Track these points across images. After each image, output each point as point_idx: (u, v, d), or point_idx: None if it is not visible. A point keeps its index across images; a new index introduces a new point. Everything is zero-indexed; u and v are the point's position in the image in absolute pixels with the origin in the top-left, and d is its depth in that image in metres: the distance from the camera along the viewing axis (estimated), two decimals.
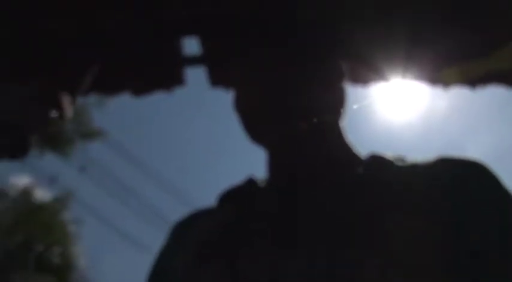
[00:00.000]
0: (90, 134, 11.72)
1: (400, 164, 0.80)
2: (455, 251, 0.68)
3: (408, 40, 2.06)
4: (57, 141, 11.32)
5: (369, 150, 0.84)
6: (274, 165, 0.84)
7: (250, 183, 0.85)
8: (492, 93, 2.24)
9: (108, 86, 2.20)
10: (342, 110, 0.85)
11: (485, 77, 2.19)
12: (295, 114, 0.78)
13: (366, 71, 2.13)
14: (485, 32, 2.04)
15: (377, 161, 0.81)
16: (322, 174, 0.79)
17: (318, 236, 0.69)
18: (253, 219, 0.76)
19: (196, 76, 2.14)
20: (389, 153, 0.82)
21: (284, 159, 0.82)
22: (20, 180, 12.73)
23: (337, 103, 0.84)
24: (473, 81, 2.19)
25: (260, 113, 0.79)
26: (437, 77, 2.18)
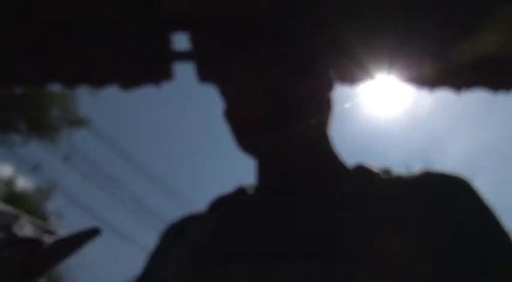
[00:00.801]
0: (76, 122, 11.63)
1: (385, 176, 0.80)
2: (440, 263, 0.69)
3: (394, 38, 2.08)
4: (42, 127, 11.23)
5: (356, 160, 0.85)
6: (263, 174, 0.84)
7: (240, 192, 0.86)
8: (475, 92, 2.28)
9: (97, 78, 2.20)
10: (329, 119, 0.85)
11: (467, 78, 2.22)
12: (285, 123, 0.78)
13: (352, 69, 2.15)
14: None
15: (363, 173, 0.81)
16: (310, 186, 0.80)
17: (304, 250, 0.69)
18: (241, 229, 0.76)
19: (185, 71, 2.15)
20: (375, 165, 0.83)
21: (273, 169, 0.83)
22: (2, 168, 12.60)
23: (326, 112, 0.85)
24: (458, 84, 2.23)
25: (249, 125, 0.79)
26: (422, 74, 2.21)
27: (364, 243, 0.67)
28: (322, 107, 0.84)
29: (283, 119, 0.78)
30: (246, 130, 0.80)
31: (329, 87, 0.86)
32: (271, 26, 0.86)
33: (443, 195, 0.75)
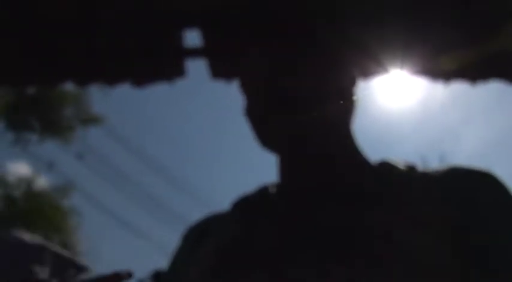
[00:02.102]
0: (89, 120, 11.73)
1: (410, 173, 0.79)
2: (465, 266, 0.68)
3: (407, 31, 2.07)
4: (56, 126, 11.34)
5: (373, 154, 0.83)
6: (285, 171, 0.83)
7: (263, 191, 0.85)
8: (490, 84, 2.26)
9: (110, 76, 2.21)
10: (352, 114, 0.84)
11: (483, 67, 2.19)
12: (306, 118, 0.77)
13: (366, 63, 2.13)
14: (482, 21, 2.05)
15: (388, 170, 0.79)
16: (333, 184, 0.79)
17: (327, 252, 0.68)
18: (264, 234, 0.75)
19: (197, 68, 2.15)
20: (399, 161, 0.81)
21: (294, 166, 0.82)
22: (19, 167, 12.73)
23: (348, 108, 0.83)
24: (473, 74, 2.20)
25: (269, 121, 0.78)
26: (436, 67, 2.19)
27: (386, 245, 0.66)
28: (345, 102, 0.82)
29: (305, 114, 0.77)
30: (267, 126, 0.79)
31: (352, 82, 0.84)
32: (286, 21, 0.85)
33: (471, 193, 0.73)
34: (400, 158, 0.82)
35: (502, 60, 2.16)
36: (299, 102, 0.77)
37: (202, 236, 0.85)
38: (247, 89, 0.82)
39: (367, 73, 2.17)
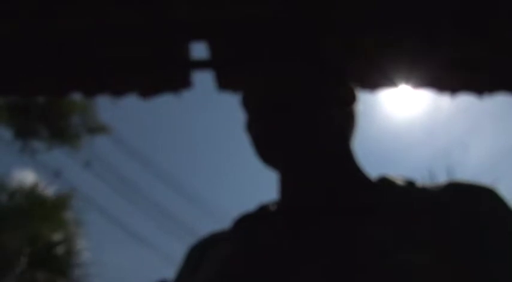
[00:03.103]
0: (96, 129, 11.78)
1: (409, 188, 0.78)
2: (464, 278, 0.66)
3: (415, 45, 2.07)
4: (64, 134, 11.39)
5: (378, 168, 0.83)
6: (284, 188, 0.83)
7: (262, 210, 0.85)
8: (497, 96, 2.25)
9: (117, 87, 2.21)
10: (352, 131, 0.84)
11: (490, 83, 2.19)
12: (306, 135, 0.78)
13: (373, 75, 2.13)
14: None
15: (386, 186, 0.79)
16: (333, 201, 0.78)
17: (327, 270, 0.68)
18: (263, 256, 0.74)
19: (203, 79, 2.16)
20: (398, 177, 0.81)
21: (294, 183, 0.82)
22: (25, 175, 12.76)
23: (349, 124, 0.83)
24: (480, 88, 2.20)
25: (269, 138, 0.78)
26: (443, 79, 2.18)
27: (390, 263, 0.65)
28: (345, 119, 0.83)
29: (304, 131, 0.78)
30: (267, 143, 0.79)
31: (352, 98, 0.84)
32: (289, 35, 0.86)
33: (471, 208, 0.72)
34: (403, 172, 0.82)
35: (507, 72, 2.16)
36: (297, 120, 0.77)
37: (203, 255, 0.85)
38: (247, 105, 0.83)
39: (374, 85, 2.17)
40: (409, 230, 0.69)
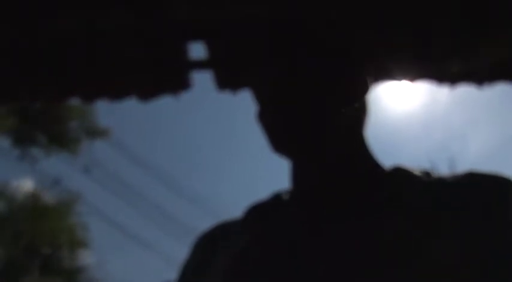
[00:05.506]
0: (95, 133, 11.75)
1: (427, 179, 0.77)
2: (492, 273, 0.66)
3: (414, 38, 2.06)
4: (62, 140, 11.37)
5: (390, 162, 0.81)
6: (297, 177, 0.81)
7: (275, 199, 0.83)
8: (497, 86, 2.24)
9: (115, 90, 2.20)
10: (365, 121, 0.83)
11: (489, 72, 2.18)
12: (319, 124, 0.77)
13: (374, 68, 2.13)
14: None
15: (402, 175, 0.78)
16: (346, 191, 0.77)
17: (343, 263, 0.67)
18: (275, 248, 0.74)
19: (203, 80, 2.15)
20: (414, 167, 0.79)
21: (308, 171, 0.80)
22: (24, 182, 12.74)
23: (361, 115, 0.82)
24: (480, 78, 2.19)
25: (283, 125, 0.77)
26: (442, 70, 2.18)
27: (406, 254, 0.65)
28: (357, 108, 0.81)
29: (318, 120, 0.77)
30: (280, 130, 0.77)
31: (364, 89, 0.83)
32: (294, 31, 0.84)
33: (491, 199, 0.71)
34: (411, 162, 0.81)
35: (508, 62, 2.15)
36: (310, 108, 0.76)
37: (213, 245, 0.84)
38: (258, 94, 0.81)
39: (374, 78, 2.16)
40: (433, 223, 0.68)
